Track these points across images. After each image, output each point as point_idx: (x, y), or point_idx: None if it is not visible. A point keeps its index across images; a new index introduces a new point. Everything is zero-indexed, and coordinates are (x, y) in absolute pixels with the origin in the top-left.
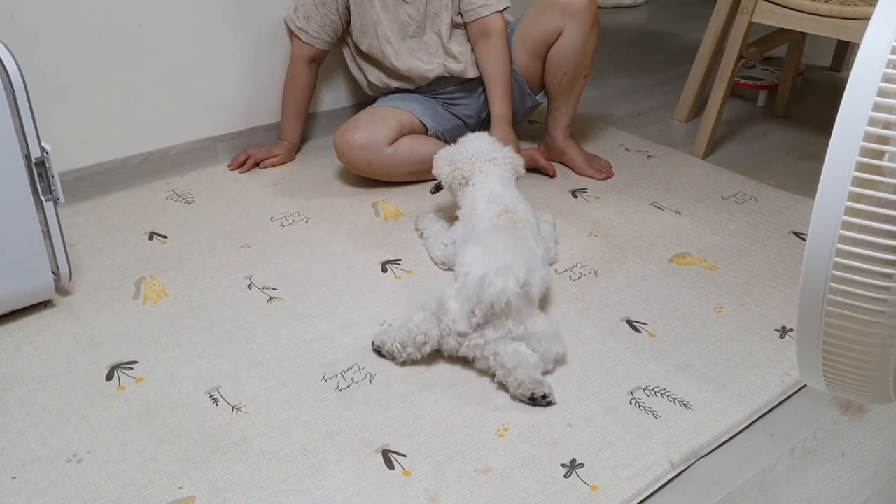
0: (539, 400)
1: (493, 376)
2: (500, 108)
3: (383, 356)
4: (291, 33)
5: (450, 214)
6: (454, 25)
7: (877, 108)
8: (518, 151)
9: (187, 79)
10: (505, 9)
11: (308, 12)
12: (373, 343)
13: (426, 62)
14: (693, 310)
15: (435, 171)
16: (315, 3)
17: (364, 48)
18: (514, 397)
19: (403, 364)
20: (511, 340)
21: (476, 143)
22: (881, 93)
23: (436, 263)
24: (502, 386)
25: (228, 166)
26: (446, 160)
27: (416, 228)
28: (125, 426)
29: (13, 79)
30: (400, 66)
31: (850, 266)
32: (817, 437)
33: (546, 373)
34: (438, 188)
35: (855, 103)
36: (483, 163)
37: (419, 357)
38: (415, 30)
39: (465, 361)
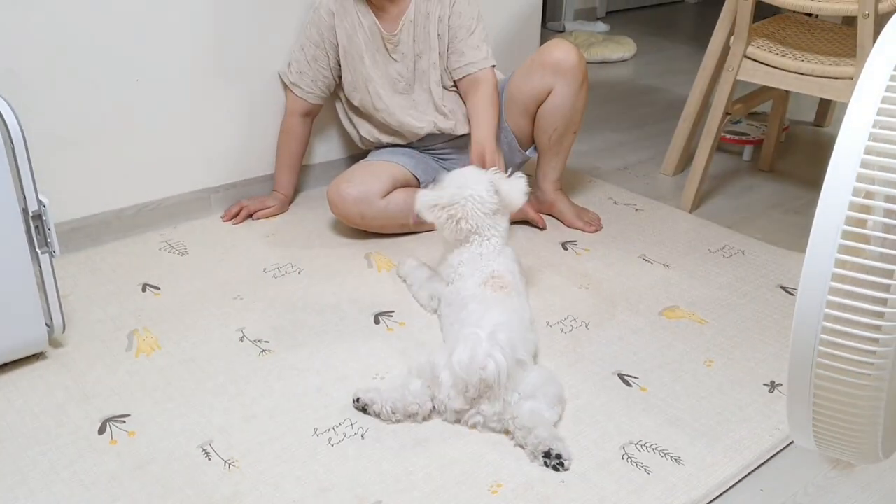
0: (552, 458)
1: (507, 433)
2: (482, 131)
3: (367, 413)
4: (286, 87)
5: (432, 261)
6: (444, 86)
7: (860, 178)
8: (502, 167)
9: (182, 131)
10: (492, 66)
11: (301, 67)
12: (357, 399)
13: (417, 119)
14: (683, 363)
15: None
16: (307, 58)
17: (356, 103)
18: (531, 455)
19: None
20: (522, 401)
21: (458, 180)
22: (864, 164)
23: (423, 307)
24: (497, 442)
25: (222, 217)
26: (427, 206)
27: (399, 275)
28: (117, 481)
29: (13, 134)
30: (391, 121)
31: (837, 330)
32: (808, 493)
33: (558, 420)
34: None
35: (838, 176)
36: (479, 214)
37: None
38: (404, 87)
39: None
